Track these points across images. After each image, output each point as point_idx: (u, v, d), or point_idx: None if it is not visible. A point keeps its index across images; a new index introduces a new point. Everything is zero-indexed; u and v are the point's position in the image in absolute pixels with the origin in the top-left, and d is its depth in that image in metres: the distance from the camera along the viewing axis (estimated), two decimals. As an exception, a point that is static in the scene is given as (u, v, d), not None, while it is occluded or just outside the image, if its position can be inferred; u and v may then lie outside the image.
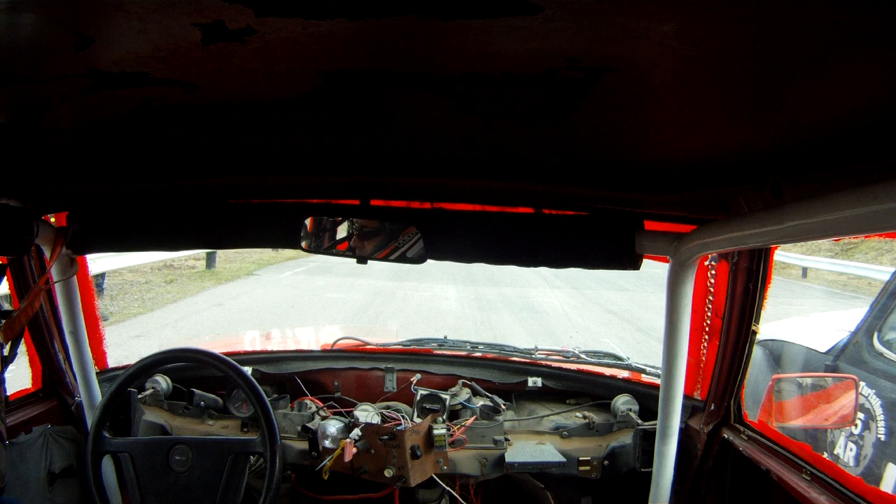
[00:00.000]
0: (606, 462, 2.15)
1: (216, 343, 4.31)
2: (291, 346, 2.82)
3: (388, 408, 2.32)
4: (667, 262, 1.71)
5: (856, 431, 3.51)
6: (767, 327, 4.63)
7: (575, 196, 1.77)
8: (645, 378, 2.37)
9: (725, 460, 1.89)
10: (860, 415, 3.40)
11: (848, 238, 1.20)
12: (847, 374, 3.49)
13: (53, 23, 0.66)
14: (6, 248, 1.77)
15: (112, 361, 2.44)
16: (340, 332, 2.84)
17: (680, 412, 1.87)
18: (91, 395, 2.21)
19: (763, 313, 1.80)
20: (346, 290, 12.01)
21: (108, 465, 2.16)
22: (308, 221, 1.84)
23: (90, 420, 2.13)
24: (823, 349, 4.07)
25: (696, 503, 1.95)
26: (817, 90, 0.79)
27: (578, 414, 2.33)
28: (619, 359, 2.56)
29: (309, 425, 2.18)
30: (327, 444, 2.13)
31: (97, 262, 8.88)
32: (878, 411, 3.39)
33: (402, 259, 1.79)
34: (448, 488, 2.28)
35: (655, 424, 1.94)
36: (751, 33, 0.63)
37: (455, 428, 2.16)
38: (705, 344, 2.02)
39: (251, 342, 3.33)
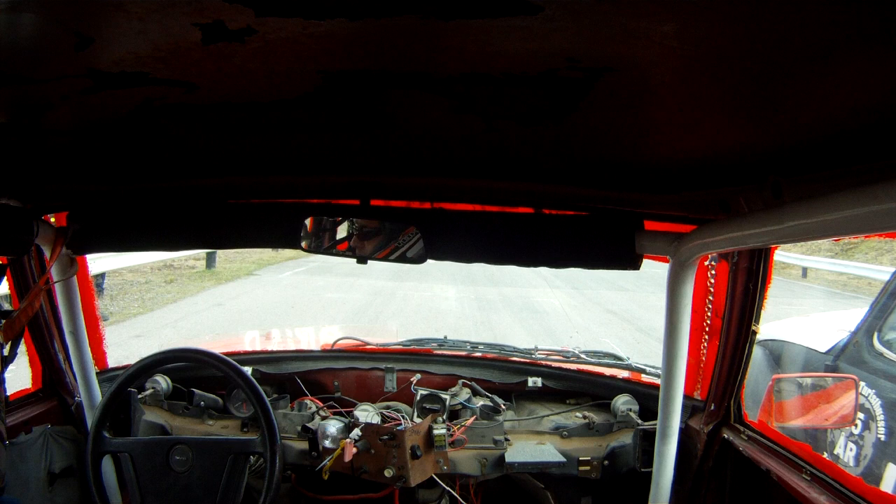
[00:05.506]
0: (606, 462, 2.15)
1: (216, 343, 4.31)
2: (291, 346, 2.82)
3: (388, 408, 2.32)
4: (667, 262, 1.71)
5: (856, 431, 3.50)
6: (767, 327, 4.63)
7: (575, 196, 1.77)
8: (645, 378, 2.37)
9: (725, 460, 1.89)
10: (860, 415, 3.39)
11: (848, 238, 1.20)
12: (847, 374, 3.49)
13: (53, 23, 0.66)
14: (6, 248, 1.77)
15: (112, 361, 2.44)
16: (340, 332, 2.84)
17: (680, 412, 1.87)
18: (91, 395, 2.21)
19: (763, 313, 1.80)
20: (346, 290, 12.01)
21: (108, 465, 2.16)
22: (308, 221, 1.84)
23: (90, 420, 2.13)
24: (823, 349, 4.07)
25: (696, 503, 1.95)
26: (817, 90, 0.79)
27: (578, 414, 2.33)
28: (619, 359, 2.56)
29: (309, 425, 2.18)
30: (327, 444, 2.13)
31: (97, 262, 8.88)
32: (878, 411, 3.39)
33: (402, 259, 1.79)
34: (448, 488, 2.28)
35: (655, 424, 1.94)
36: (751, 33, 0.63)
37: (455, 428, 2.16)
38: (705, 344, 2.02)
39: (251, 342, 3.33)
